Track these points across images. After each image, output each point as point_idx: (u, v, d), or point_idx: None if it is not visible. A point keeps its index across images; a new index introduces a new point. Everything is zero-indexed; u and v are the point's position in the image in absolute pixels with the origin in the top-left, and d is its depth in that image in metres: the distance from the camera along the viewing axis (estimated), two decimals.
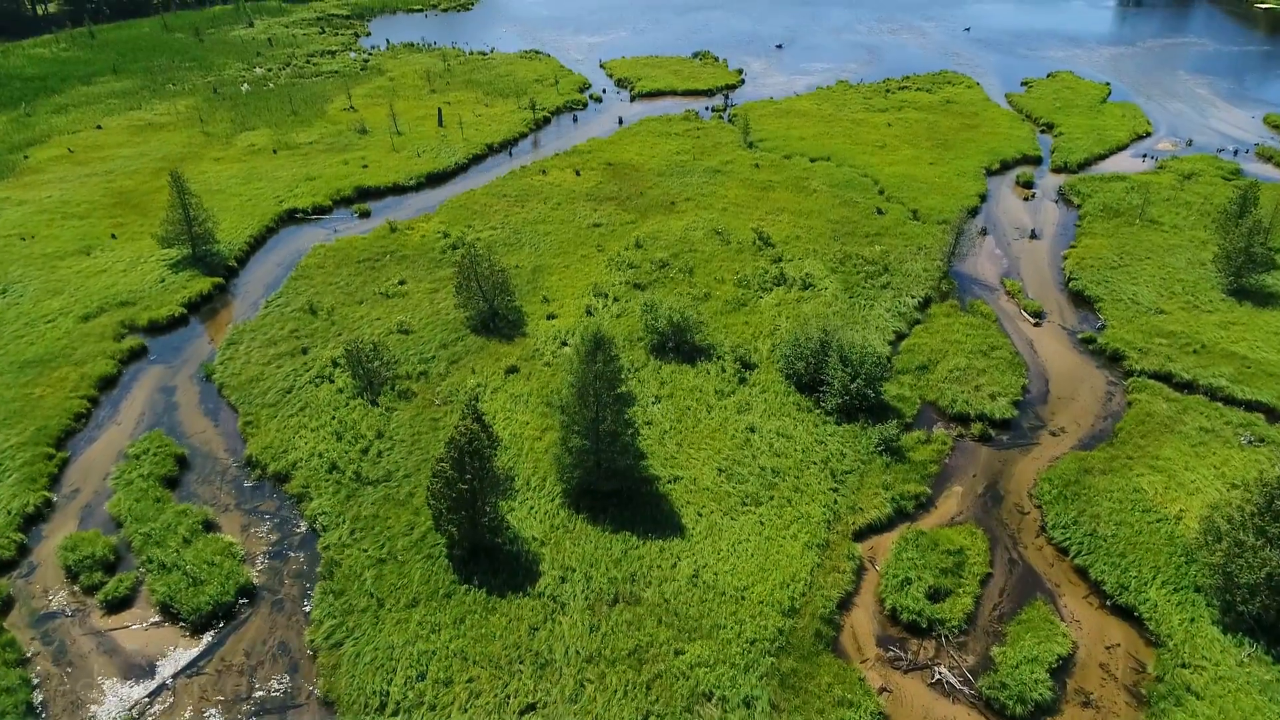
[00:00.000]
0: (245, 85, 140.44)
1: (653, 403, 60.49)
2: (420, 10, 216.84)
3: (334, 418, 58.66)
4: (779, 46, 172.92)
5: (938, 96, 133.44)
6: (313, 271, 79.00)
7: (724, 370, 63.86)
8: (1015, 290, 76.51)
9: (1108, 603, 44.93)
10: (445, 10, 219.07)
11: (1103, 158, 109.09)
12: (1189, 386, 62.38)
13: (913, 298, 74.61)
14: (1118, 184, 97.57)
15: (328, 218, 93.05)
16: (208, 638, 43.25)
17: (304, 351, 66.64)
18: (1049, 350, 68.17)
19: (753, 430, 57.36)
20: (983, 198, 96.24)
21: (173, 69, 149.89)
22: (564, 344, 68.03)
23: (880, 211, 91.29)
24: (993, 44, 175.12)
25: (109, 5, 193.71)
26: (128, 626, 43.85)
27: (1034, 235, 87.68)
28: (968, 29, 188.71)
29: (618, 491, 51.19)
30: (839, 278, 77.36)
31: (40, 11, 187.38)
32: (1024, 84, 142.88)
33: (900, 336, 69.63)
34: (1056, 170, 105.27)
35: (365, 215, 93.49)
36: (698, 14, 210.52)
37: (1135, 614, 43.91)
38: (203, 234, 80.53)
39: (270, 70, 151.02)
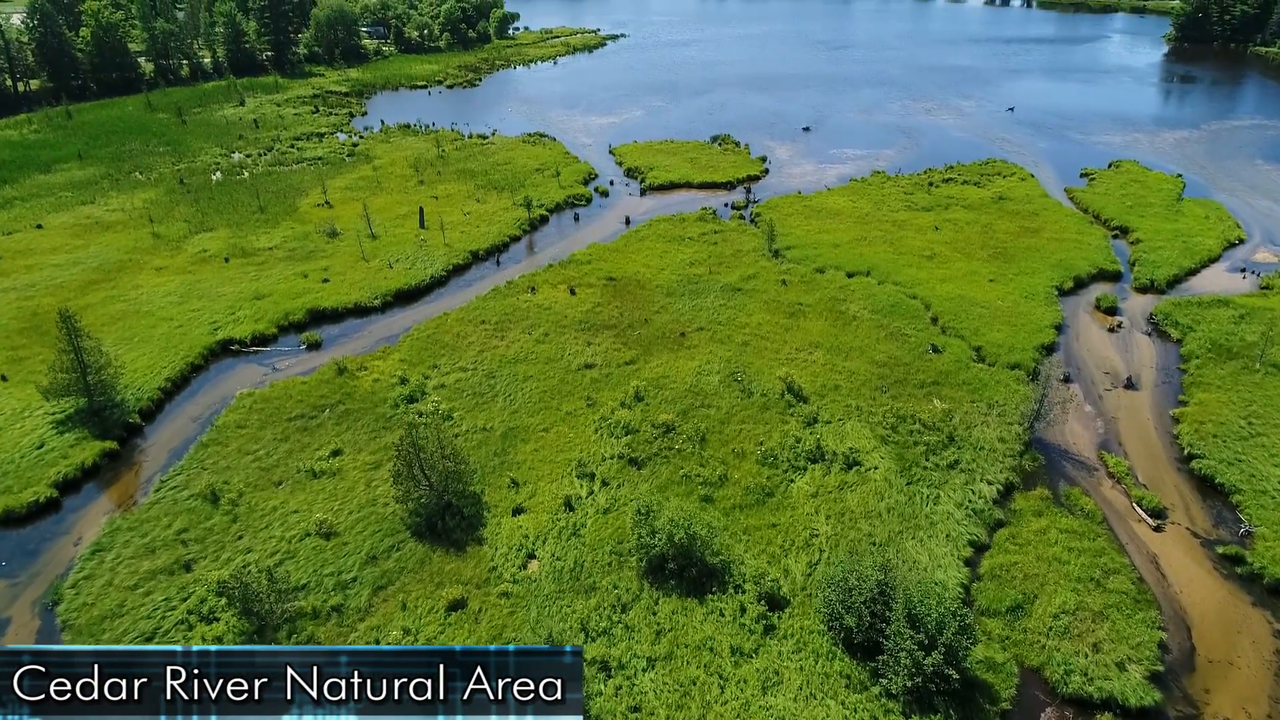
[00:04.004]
0: (217, 174, 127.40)
1: (644, 669, 43.34)
2: (424, 87, 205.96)
3: None
4: (806, 129, 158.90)
5: (988, 191, 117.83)
6: (229, 434, 63.16)
7: (743, 610, 46.82)
8: (1120, 471, 59.18)
9: None
10: (451, 86, 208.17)
11: (1193, 272, 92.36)
12: None
13: (990, 484, 57.48)
14: (1222, 311, 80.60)
15: (270, 349, 77.72)
16: None
17: (187, 568, 50.40)
18: (1181, 574, 50.61)
19: None
20: (1058, 328, 79.50)
21: (143, 154, 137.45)
22: (531, 556, 51.37)
23: (936, 349, 74.74)
24: (1040, 127, 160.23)
25: (95, 82, 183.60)
26: None
27: (1130, 384, 70.61)
28: (1011, 109, 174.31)
29: None
30: (891, 451, 60.46)
31: (21, 89, 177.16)
32: (1084, 175, 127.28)
33: (978, 548, 52.33)
34: (1141, 289, 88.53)
35: (315, 346, 78.12)
36: (717, 92, 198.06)
37: None
38: (99, 384, 65.04)
39: (249, 156, 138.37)
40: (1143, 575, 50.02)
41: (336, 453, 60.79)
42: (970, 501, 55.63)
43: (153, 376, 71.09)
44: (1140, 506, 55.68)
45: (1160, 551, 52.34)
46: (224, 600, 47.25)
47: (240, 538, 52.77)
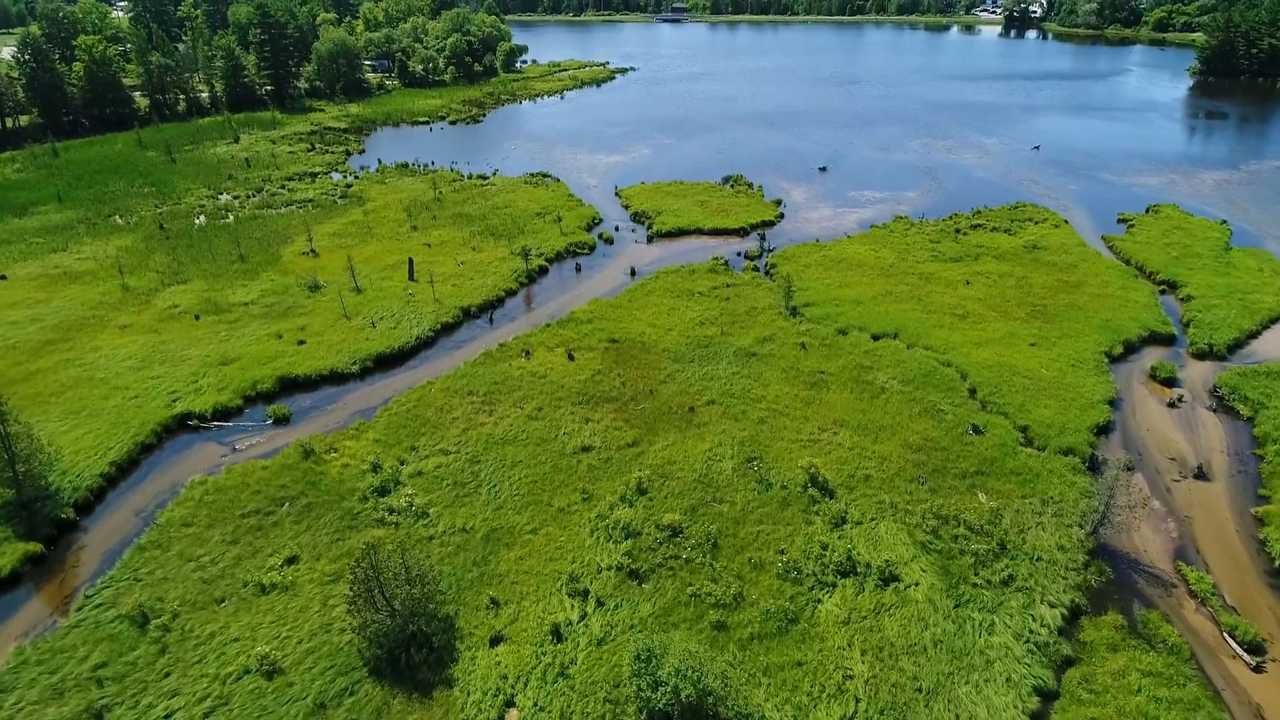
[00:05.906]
0: (200, 218, 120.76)
1: None
2: (426, 122, 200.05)
3: None
4: (823, 169, 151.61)
5: (1020, 239, 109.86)
6: (173, 534, 55.13)
7: None
8: (1204, 590, 50.46)
9: None
10: (454, 122, 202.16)
11: (1255, 335, 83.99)
12: None
13: (1053, 606, 48.88)
14: None
15: (232, 425, 69.91)
16: None
17: (99, 717, 42.09)
18: None
19: None
20: (1112, 403, 70.96)
21: (126, 196, 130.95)
22: (509, 704, 42.94)
23: (977, 429, 66.36)
24: (1069, 167, 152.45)
25: (88, 118, 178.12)
26: None
27: (1201, 474, 61.94)
28: (1036, 148, 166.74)
29: None
30: (934, 562, 51.96)
31: (10, 125, 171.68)
32: (1122, 221, 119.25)
33: (1045, 695, 43.59)
34: (1199, 355, 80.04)
35: (283, 421, 70.30)
36: (728, 128, 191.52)
37: None
38: (29, 474, 57.28)
39: (237, 197, 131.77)
40: None
41: (292, 560, 52.67)
42: (1031, 631, 47.01)
43: (96, 460, 63.26)
44: (1233, 639, 46.91)
45: (1265, 700, 43.59)
46: None
47: (167, 675, 44.57)
